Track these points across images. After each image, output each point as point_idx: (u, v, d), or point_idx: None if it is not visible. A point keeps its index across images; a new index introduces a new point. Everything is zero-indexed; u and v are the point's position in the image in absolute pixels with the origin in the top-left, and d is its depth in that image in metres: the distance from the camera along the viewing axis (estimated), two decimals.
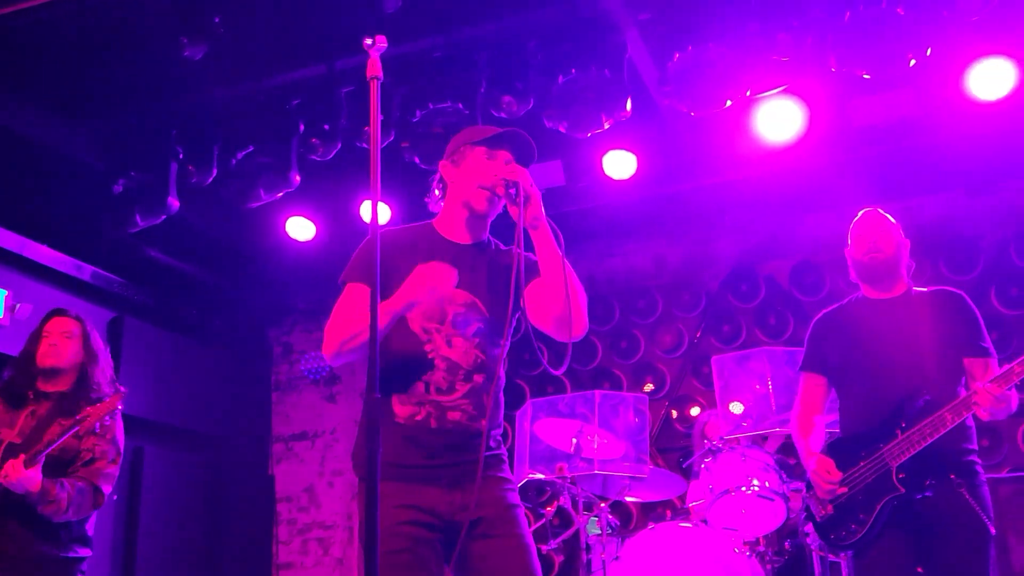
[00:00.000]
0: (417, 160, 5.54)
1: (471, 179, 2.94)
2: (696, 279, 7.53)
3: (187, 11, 4.73)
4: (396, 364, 2.83)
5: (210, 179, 5.77)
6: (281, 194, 5.82)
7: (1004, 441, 6.39)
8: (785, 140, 5.75)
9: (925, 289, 3.86)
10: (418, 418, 2.81)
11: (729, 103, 5.10)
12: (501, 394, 2.99)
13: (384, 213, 6.64)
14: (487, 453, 2.82)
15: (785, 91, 5.44)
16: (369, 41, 2.49)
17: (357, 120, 5.51)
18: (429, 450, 2.80)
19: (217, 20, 4.77)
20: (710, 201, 7.04)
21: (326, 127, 5.50)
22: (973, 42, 5.19)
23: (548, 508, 5.68)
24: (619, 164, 6.21)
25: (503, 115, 5.32)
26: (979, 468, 3.62)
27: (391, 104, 5.46)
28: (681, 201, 7.07)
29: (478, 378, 2.87)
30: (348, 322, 2.82)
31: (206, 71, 5.25)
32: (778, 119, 5.66)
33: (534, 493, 6.61)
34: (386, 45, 2.50)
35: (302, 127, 5.58)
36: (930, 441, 3.48)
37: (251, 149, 5.72)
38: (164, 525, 7.12)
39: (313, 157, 5.63)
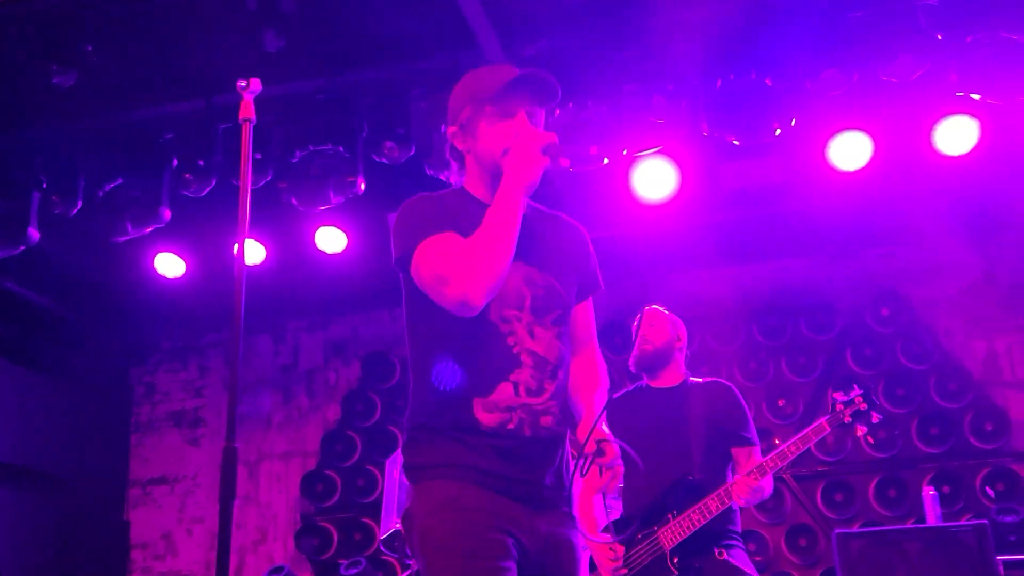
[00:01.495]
0: (295, 201, 5.47)
1: (494, 147, 2.43)
2: None
3: (58, 38, 4.58)
4: (474, 361, 2.33)
5: (75, 211, 5.56)
6: (150, 229, 5.65)
7: (856, 496, 6.64)
8: (659, 199, 5.92)
9: (700, 380, 4.14)
10: (510, 427, 2.30)
11: (606, 160, 5.24)
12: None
13: (258, 253, 6.53)
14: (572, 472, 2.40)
15: (660, 152, 5.61)
16: (243, 83, 2.45)
17: (234, 157, 5.41)
18: (529, 462, 2.32)
19: (90, 48, 4.63)
20: None
21: (201, 163, 5.38)
22: (834, 115, 5.47)
23: (414, 561, 5.60)
24: None
25: (384, 160, 5.32)
26: (737, 541, 3.90)
27: (271, 143, 5.39)
28: None
29: (562, 375, 2.42)
30: (480, 253, 2.25)
31: (76, 99, 5.08)
32: (653, 179, 5.83)
33: (400, 543, 6.51)
34: (261, 88, 2.46)
35: (176, 162, 5.45)
36: (699, 527, 3.77)
37: (120, 182, 5.56)
38: (11, 571, 6.71)
39: (186, 193, 5.50)
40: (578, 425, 2.45)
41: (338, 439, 7.56)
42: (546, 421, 2.34)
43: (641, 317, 4.11)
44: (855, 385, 4.05)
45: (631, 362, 4.14)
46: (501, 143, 2.40)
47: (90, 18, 4.71)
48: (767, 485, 3.85)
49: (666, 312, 4.19)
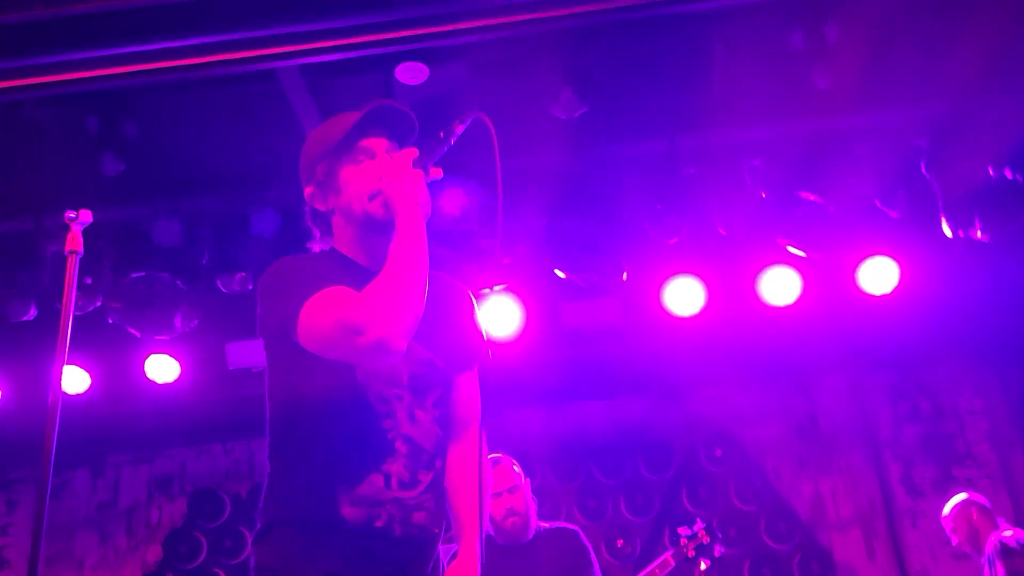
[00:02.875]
0: (132, 329, 5.24)
1: (361, 193, 2.20)
2: None
3: None
4: (343, 447, 2.07)
5: None
6: None
7: None
8: (504, 336, 5.97)
9: (546, 526, 4.06)
10: (378, 524, 2.04)
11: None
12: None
13: (82, 381, 6.17)
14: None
15: (505, 289, 5.70)
16: (72, 214, 2.37)
17: (59, 283, 5.16)
18: (397, 566, 2.08)
19: None
20: None
21: (24, 286, 5.10)
22: (670, 261, 5.71)
23: None
24: None
25: (224, 290, 5.19)
26: None
27: (102, 266, 5.18)
28: None
29: (439, 464, 2.18)
30: (385, 286, 2.01)
31: None
32: (498, 315, 5.89)
33: None
34: (91, 219, 2.38)
35: None
36: None
37: None
38: None
39: (8, 315, 5.18)
40: (453, 532, 2.25)
41: None
42: (419, 518, 2.10)
43: (493, 474, 3.84)
44: (698, 519, 4.12)
45: (494, 532, 3.86)
46: (367, 188, 2.19)
47: None
48: None
49: (515, 467, 4.05)
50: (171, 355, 6.10)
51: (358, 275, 2.15)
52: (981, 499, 5.35)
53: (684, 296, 5.76)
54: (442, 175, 2.17)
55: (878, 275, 5.60)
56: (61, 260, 5.17)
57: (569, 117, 4.42)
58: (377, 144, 2.22)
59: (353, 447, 2.08)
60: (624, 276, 5.17)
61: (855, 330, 6.48)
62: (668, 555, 3.97)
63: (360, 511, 2.04)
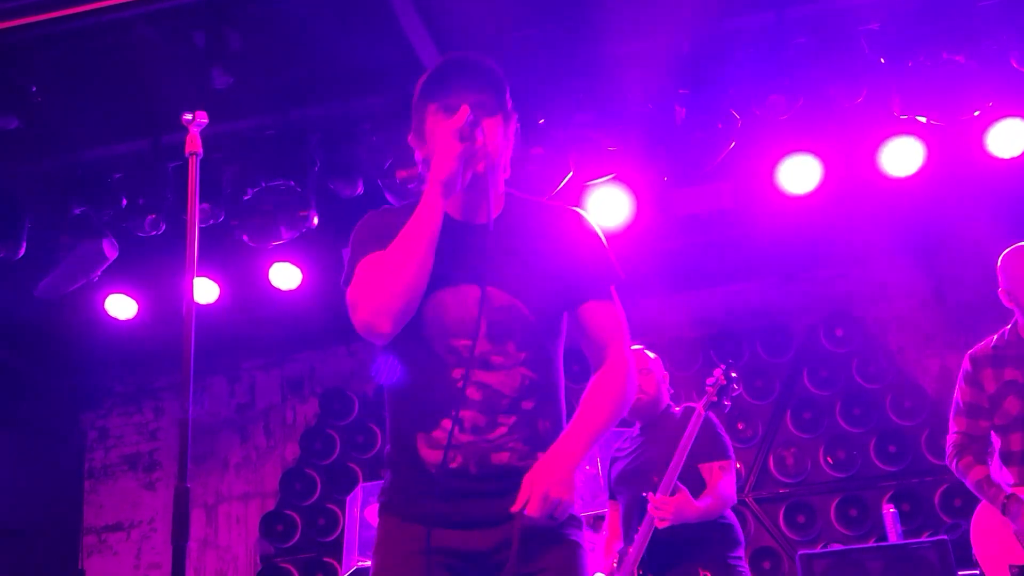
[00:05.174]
0: (246, 238, 5.42)
1: (431, 150, 2.20)
2: None
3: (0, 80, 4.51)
4: (417, 395, 2.20)
5: (19, 255, 5.45)
6: (99, 272, 5.55)
7: (818, 517, 6.67)
8: (613, 227, 5.94)
9: (678, 407, 4.24)
10: (452, 466, 2.13)
11: (560, 186, 5.26)
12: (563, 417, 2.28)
13: (211, 292, 6.44)
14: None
15: (614, 179, 5.64)
16: (189, 116, 2.41)
17: (183, 195, 5.34)
18: (476, 491, 2.15)
19: (34, 89, 4.57)
20: None
21: (150, 201, 5.30)
22: (782, 140, 5.55)
23: None
24: None
25: (340, 194, 5.30)
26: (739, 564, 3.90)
27: (221, 181, 5.34)
28: None
29: (527, 404, 2.17)
30: (382, 272, 2.11)
31: (15, 142, 5.00)
32: (607, 206, 5.85)
33: None
34: (207, 121, 2.43)
35: (124, 202, 5.37)
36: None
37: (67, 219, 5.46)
38: None
39: (136, 233, 5.42)
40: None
41: (297, 478, 7.45)
42: (499, 458, 2.14)
43: None
44: (721, 365, 4.20)
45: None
46: (432, 146, 2.20)
47: (33, 60, 4.65)
48: (702, 503, 3.80)
49: (652, 355, 4.27)
50: (292, 262, 6.30)
51: (448, 231, 2.17)
52: None
53: (799, 174, 5.59)
54: (484, 143, 2.15)
55: (1009, 137, 5.32)
56: (182, 173, 5.39)
57: None
58: (456, 99, 2.17)
59: (424, 396, 2.17)
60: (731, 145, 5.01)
61: (983, 197, 6.22)
62: (698, 405, 4.03)
63: (436, 453, 2.14)
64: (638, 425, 4.25)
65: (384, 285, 2.10)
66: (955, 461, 3.95)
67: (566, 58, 5.05)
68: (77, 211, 5.39)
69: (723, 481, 3.93)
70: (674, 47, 5.01)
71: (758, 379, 7.01)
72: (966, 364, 4.04)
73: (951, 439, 4.01)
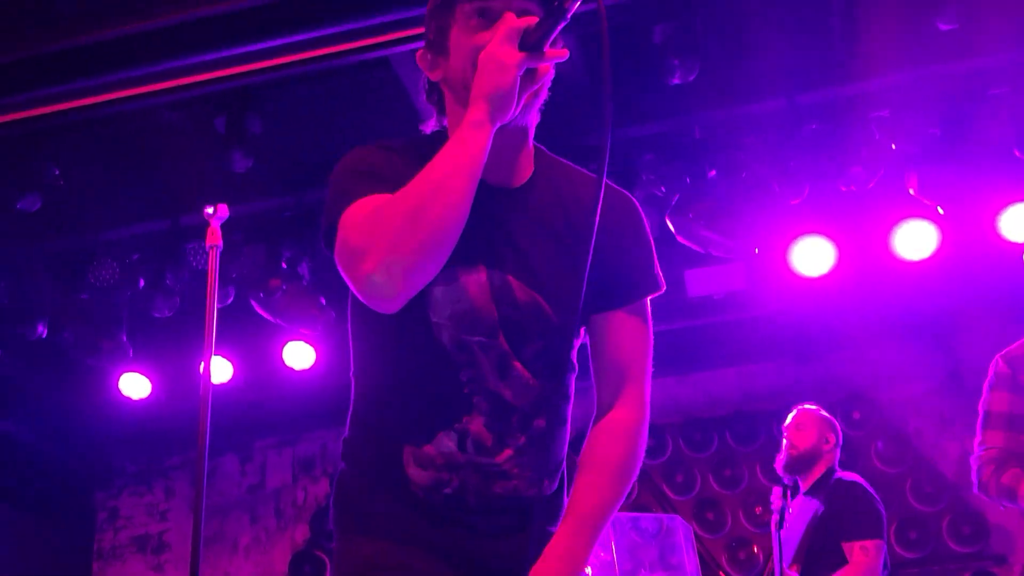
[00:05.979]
0: (267, 314, 5.46)
1: (467, 62, 1.66)
2: None
3: (22, 161, 4.60)
4: (409, 397, 1.72)
5: (36, 334, 5.49)
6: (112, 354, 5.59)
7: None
8: None
9: (840, 474, 4.54)
10: (446, 491, 1.68)
11: None
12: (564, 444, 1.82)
13: (224, 371, 6.45)
14: (550, 527, 1.73)
15: None
16: (210, 210, 2.45)
17: (199, 276, 5.40)
18: (466, 527, 1.70)
19: (56, 172, 4.65)
20: None
21: (167, 283, 5.36)
22: (795, 222, 5.57)
23: None
24: None
25: None
26: None
27: (239, 260, 5.39)
28: None
29: (540, 422, 1.72)
30: (405, 214, 1.53)
31: (39, 222, 5.08)
32: None
33: None
34: (228, 214, 2.46)
35: (142, 282, 5.42)
36: None
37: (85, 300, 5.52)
38: None
39: (152, 312, 5.46)
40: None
41: (307, 560, 7.35)
42: (503, 488, 1.70)
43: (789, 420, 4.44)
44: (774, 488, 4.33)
45: (778, 466, 4.49)
46: (471, 57, 1.64)
47: (56, 142, 4.75)
48: None
49: (816, 412, 4.46)
50: (306, 342, 6.31)
51: None
52: None
53: (812, 256, 5.60)
54: (567, 55, 1.63)
55: (1019, 223, 5.33)
56: (200, 256, 5.44)
57: (684, 81, 4.35)
58: (501, 3, 1.64)
59: (421, 399, 1.70)
60: (756, 251, 5.08)
61: (997, 280, 6.20)
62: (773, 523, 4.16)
63: (427, 474, 1.68)
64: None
65: (409, 230, 1.52)
66: (994, 479, 3.26)
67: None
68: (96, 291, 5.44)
69: None
70: (686, 132, 5.09)
71: (774, 462, 6.90)
72: (1000, 367, 3.42)
73: (982, 455, 3.34)
